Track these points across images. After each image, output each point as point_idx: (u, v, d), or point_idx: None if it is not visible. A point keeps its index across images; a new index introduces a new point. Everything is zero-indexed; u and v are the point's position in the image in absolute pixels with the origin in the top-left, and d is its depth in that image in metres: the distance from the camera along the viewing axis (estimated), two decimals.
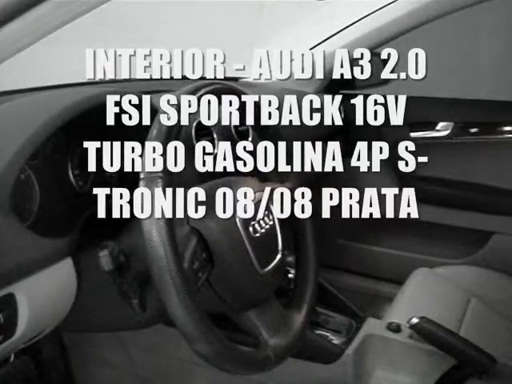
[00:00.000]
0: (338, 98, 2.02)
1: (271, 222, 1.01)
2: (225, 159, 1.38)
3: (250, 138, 1.48)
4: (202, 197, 0.94)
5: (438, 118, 2.06)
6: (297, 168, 1.19)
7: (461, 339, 1.35)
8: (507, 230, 2.05)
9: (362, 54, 1.95)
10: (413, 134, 2.08)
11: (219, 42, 2.75)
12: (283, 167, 1.19)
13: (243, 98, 1.07)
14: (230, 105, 1.07)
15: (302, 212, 1.19)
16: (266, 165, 1.51)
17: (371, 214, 2.21)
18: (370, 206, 2.18)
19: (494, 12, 2.09)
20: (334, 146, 2.04)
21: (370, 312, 1.82)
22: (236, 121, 1.43)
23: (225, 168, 1.37)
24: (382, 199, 2.18)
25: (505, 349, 1.54)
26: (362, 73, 2.05)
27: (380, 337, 1.45)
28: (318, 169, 1.94)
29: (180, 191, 0.97)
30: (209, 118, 1.34)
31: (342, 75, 2.01)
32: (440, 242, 2.18)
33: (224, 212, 0.92)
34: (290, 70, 1.98)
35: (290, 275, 1.28)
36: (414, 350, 1.42)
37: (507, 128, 2.01)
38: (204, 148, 1.30)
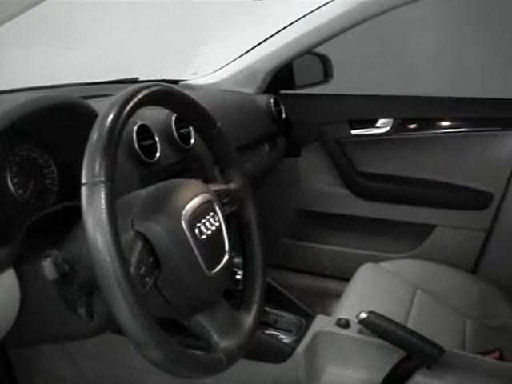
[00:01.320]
0: (277, 97, 2.06)
1: (217, 224, 1.00)
2: (167, 162, 1.38)
3: (192, 140, 1.47)
4: (147, 200, 0.92)
5: (377, 115, 2.10)
6: (240, 168, 1.19)
7: (409, 331, 1.37)
8: (448, 222, 2.10)
9: (301, 54, 1.98)
10: (354, 132, 2.11)
11: (159, 44, 2.75)
12: (227, 168, 1.18)
13: (185, 99, 1.05)
14: (172, 107, 1.06)
15: (247, 212, 1.20)
16: (209, 166, 1.52)
17: (315, 212, 2.25)
18: (312, 204, 2.23)
19: (427, 10, 2.14)
20: (276, 146, 2.07)
21: (318, 309, 1.83)
22: (178, 123, 1.42)
23: (168, 170, 1.36)
24: (324, 197, 2.23)
25: (451, 338, 1.58)
26: (301, 72, 2.09)
27: (330, 333, 1.46)
28: (260, 168, 1.96)
29: (123, 195, 0.96)
30: (150, 121, 1.34)
31: (281, 75, 2.04)
32: (384, 237, 2.22)
33: (169, 215, 0.91)
34: (230, 71, 2.00)
35: (238, 276, 1.27)
36: (363, 345, 1.43)
37: (444, 123, 2.06)
38: (146, 151, 1.28)
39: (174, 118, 1.41)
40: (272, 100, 2.00)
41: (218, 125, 1.12)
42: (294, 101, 2.12)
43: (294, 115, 2.08)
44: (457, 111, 2.04)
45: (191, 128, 1.47)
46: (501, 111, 1.99)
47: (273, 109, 1.99)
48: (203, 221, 0.96)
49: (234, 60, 1.98)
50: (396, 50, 2.62)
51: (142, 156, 1.26)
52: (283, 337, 1.46)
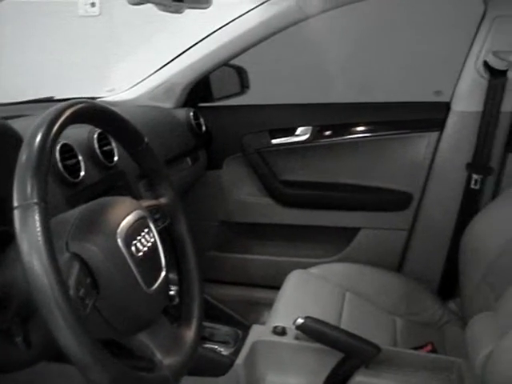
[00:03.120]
0: (197, 111, 2.06)
1: (152, 240, 0.99)
2: (92, 180, 1.35)
3: (115, 158, 1.44)
4: (80, 220, 0.90)
5: (296, 124, 2.13)
6: (170, 183, 1.18)
7: (346, 333, 1.40)
8: (372, 224, 2.16)
9: (217, 66, 1.98)
10: (274, 141, 2.13)
11: (71, 62, 2.69)
12: (157, 183, 1.16)
13: (112, 116, 1.03)
14: (99, 124, 1.04)
15: (179, 226, 1.19)
16: (134, 182, 1.50)
17: (240, 223, 2.26)
18: (237, 215, 2.24)
19: (338, 20, 2.20)
20: (198, 159, 2.06)
21: (252, 319, 1.84)
22: (100, 140, 1.40)
23: (93, 189, 1.33)
24: (248, 207, 2.24)
25: (383, 336, 1.62)
26: (218, 84, 2.10)
27: (267, 342, 1.46)
28: (184, 183, 1.95)
29: (53, 217, 0.92)
30: (72, 140, 1.31)
31: (199, 88, 2.04)
32: (310, 243, 2.25)
33: (105, 234, 0.89)
34: (147, 86, 1.98)
35: (171, 292, 1.25)
36: (301, 350, 1.44)
37: (361, 128, 2.12)
38: (70, 171, 1.25)
39: (96, 135, 1.38)
40: (191, 113, 1.99)
41: (146, 140, 1.11)
42: (214, 113, 2.12)
43: (214, 127, 2.09)
44: (373, 116, 2.10)
45: (114, 145, 1.44)
46: (414, 114, 2.07)
47: (193, 122, 1.99)
48: (138, 238, 0.95)
49: (151, 75, 1.97)
50: (310, 58, 2.68)
51: (67, 176, 1.23)
52: (221, 349, 1.46)
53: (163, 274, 0.99)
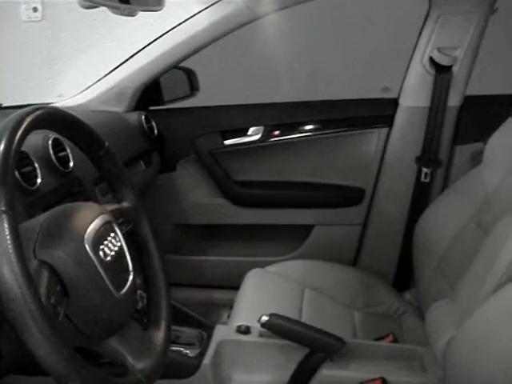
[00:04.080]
0: (148, 114, 2.04)
1: (119, 244, 0.99)
2: (49, 187, 1.33)
3: (71, 164, 1.42)
4: (46, 227, 0.89)
5: (248, 124, 2.14)
6: (131, 187, 1.17)
7: (310, 328, 1.42)
8: (326, 220, 2.19)
9: (167, 69, 1.97)
10: (226, 142, 2.14)
11: (16, 68, 2.63)
12: (118, 187, 1.16)
13: (73, 120, 1.02)
14: (60, 129, 1.03)
15: (143, 230, 1.19)
16: (90, 188, 1.48)
17: (196, 225, 2.25)
18: (192, 217, 2.24)
19: (283, 21, 2.22)
20: (152, 162, 2.05)
21: (212, 320, 1.84)
22: (55, 147, 1.37)
23: (50, 196, 1.31)
24: (203, 209, 2.24)
25: (343, 330, 1.64)
26: (168, 87, 2.09)
27: (232, 341, 1.47)
28: (140, 185, 1.94)
29: (21, 225, 0.91)
30: (26, 147, 1.28)
31: (149, 91, 2.03)
32: (267, 242, 2.27)
33: (72, 240, 0.88)
34: (97, 91, 1.96)
35: (138, 295, 1.25)
36: (267, 348, 1.46)
37: (312, 126, 2.15)
38: (26, 178, 1.23)
39: (50, 141, 1.36)
40: (143, 117, 1.98)
41: (107, 144, 1.10)
42: (166, 116, 2.11)
43: (166, 130, 2.08)
44: (323, 114, 2.13)
45: (69, 151, 1.42)
46: (363, 110, 2.11)
47: (145, 126, 1.97)
48: (105, 242, 0.94)
49: (101, 79, 1.94)
50: (260, 59, 2.70)
51: (24, 184, 1.21)
52: (187, 351, 1.45)
53: (131, 277, 0.99)
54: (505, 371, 1.09)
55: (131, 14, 1.28)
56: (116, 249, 0.97)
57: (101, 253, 0.91)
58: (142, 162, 1.95)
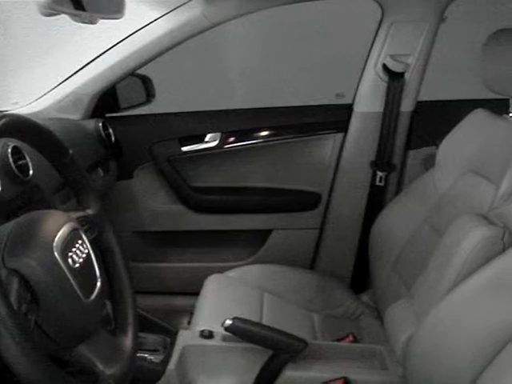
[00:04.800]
0: (105, 121, 2.03)
1: (86, 251, 0.99)
2: (9, 196, 1.31)
3: (30, 172, 1.41)
4: (13, 236, 0.88)
5: (205, 130, 2.15)
6: (96, 194, 1.18)
7: (273, 330, 1.44)
8: (283, 225, 2.23)
9: (124, 76, 1.97)
10: (184, 149, 2.14)
11: None
12: (83, 195, 1.16)
13: (38, 128, 1.02)
14: (25, 137, 1.02)
15: (108, 237, 1.19)
16: (50, 196, 1.47)
17: (154, 232, 2.25)
18: (151, 224, 2.23)
19: (240, 28, 2.25)
20: (109, 170, 2.04)
21: (178, 326, 1.84)
22: (14, 154, 1.36)
23: (11, 205, 1.29)
24: (162, 216, 2.24)
25: (303, 333, 1.67)
26: (124, 94, 2.08)
27: (196, 346, 1.48)
28: (100, 191, 1.93)
29: None
30: None
31: (105, 98, 2.02)
32: (226, 247, 2.28)
33: (41, 248, 0.88)
34: (53, 98, 1.94)
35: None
36: (230, 351, 1.47)
37: (268, 132, 2.17)
38: None
39: (10, 149, 1.34)
40: (100, 124, 1.97)
41: (71, 152, 1.10)
42: (123, 123, 2.10)
43: (123, 137, 2.07)
44: (279, 120, 2.16)
45: (28, 159, 1.41)
46: (318, 116, 2.15)
47: (102, 133, 1.96)
48: (74, 249, 0.95)
49: (57, 86, 1.92)
50: (217, 66, 2.72)
51: None
52: (152, 357, 1.45)
53: (99, 284, 1.00)
54: (462, 365, 1.13)
55: (92, 22, 1.28)
56: (84, 256, 0.97)
57: (69, 260, 0.92)
58: (99, 170, 1.94)
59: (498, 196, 1.42)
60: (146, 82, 2.13)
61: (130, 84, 2.06)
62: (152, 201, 2.21)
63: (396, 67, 1.96)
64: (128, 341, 1.07)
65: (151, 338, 1.51)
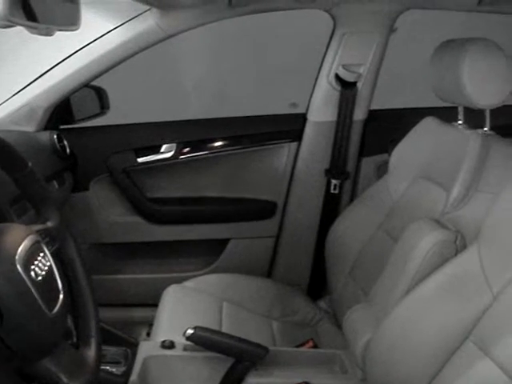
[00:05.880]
0: (60, 133, 2.01)
1: (48, 264, 0.98)
2: None
3: None
4: None
5: (161, 141, 2.15)
6: (55, 206, 1.17)
7: (234, 338, 1.45)
8: (239, 234, 2.24)
9: (78, 88, 1.96)
10: (140, 160, 2.14)
11: None
12: (42, 207, 1.15)
13: None
14: None
15: (69, 249, 1.18)
16: (6, 208, 1.45)
17: (111, 244, 2.23)
18: (107, 236, 2.21)
19: (194, 40, 2.27)
20: (65, 182, 2.02)
21: (137, 337, 1.83)
22: None
23: None
24: (118, 227, 2.22)
25: (263, 340, 1.68)
26: (78, 105, 2.07)
27: (158, 357, 1.48)
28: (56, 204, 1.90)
29: None
30: None
31: (60, 110, 2.00)
32: (183, 258, 2.28)
33: (4, 261, 0.87)
34: (5, 110, 1.91)
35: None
36: (192, 361, 1.48)
37: (223, 142, 2.19)
38: None
39: None
40: (55, 136, 1.95)
41: (30, 164, 1.10)
42: (78, 135, 2.09)
43: (78, 149, 2.05)
44: (234, 130, 2.18)
45: None
46: (273, 126, 2.18)
47: (57, 145, 1.94)
48: (36, 262, 0.94)
49: (10, 98, 1.89)
50: (171, 77, 2.72)
51: None
52: (113, 369, 1.45)
53: (61, 296, 0.99)
54: (420, 366, 1.17)
55: (49, 34, 1.27)
56: (46, 268, 0.96)
57: (32, 273, 0.91)
58: (55, 182, 1.92)
59: (450, 201, 1.47)
60: (100, 93, 2.12)
61: (84, 95, 2.04)
62: (108, 212, 2.19)
63: (348, 77, 2.00)
64: (91, 353, 1.06)
65: (112, 350, 1.50)
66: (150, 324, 1.84)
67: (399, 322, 1.25)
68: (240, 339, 1.44)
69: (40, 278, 0.93)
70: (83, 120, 2.09)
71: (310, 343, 1.63)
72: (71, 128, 2.08)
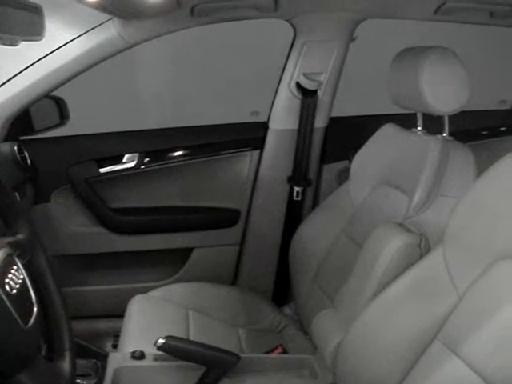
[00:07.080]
0: (20, 144, 1.98)
1: (22, 276, 0.98)
2: None
3: None
4: None
5: (122, 151, 2.15)
6: (25, 218, 1.16)
7: (205, 346, 1.45)
8: (204, 243, 2.24)
9: (38, 98, 1.93)
10: (102, 170, 2.12)
11: None
12: (12, 220, 1.14)
13: None
14: None
15: (40, 261, 1.17)
16: None
17: (74, 255, 2.20)
18: (70, 248, 2.18)
19: (156, 49, 2.26)
20: (26, 194, 1.99)
21: (105, 349, 1.82)
22: None
23: None
24: (81, 238, 2.20)
25: (232, 347, 1.69)
26: (38, 116, 2.04)
27: (128, 368, 1.47)
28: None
29: None
30: None
31: (19, 121, 1.97)
32: (148, 267, 2.27)
33: None
34: None
35: None
36: (163, 371, 1.47)
37: (184, 151, 2.19)
38: None
39: None
40: (15, 147, 1.92)
41: None
42: (38, 146, 2.06)
43: (39, 160, 2.02)
44: (196, 139, 2.19)
45: None
46: (235, 134, 2.20)
47: (18, 156, 1.91)
48: (10, 276, 0.94)
49: None
50: (132, 87, 2.71)
51: None
52: (84, 382, 1.43)
53: (35, 309, 0.99)
54: (390, 367, 1.19)
55: (13, 44, 1.26)
56: (20, 281, 0.96)
57: (6, 286, 0.91)
58: (16, 194, 1.89)
59: (412, 206, 1.51)
60: (60, 103, 2.09)
61: (43, 106, 2.01)
62: (71, 224, 2.17)
63: (309, 85, 2.03)
64: (66, 365, 1.06)
65: (82, 363, 1.48)
66: (114, 335, 1.83)
67: (368, 325, 1.28)
68: (211, 347, 1.45)
69: (15, 291, 0.92)
70: (43, 131, 2.07)
71: (279, 349, 1.64)
72: (31, 139, 2.05)
